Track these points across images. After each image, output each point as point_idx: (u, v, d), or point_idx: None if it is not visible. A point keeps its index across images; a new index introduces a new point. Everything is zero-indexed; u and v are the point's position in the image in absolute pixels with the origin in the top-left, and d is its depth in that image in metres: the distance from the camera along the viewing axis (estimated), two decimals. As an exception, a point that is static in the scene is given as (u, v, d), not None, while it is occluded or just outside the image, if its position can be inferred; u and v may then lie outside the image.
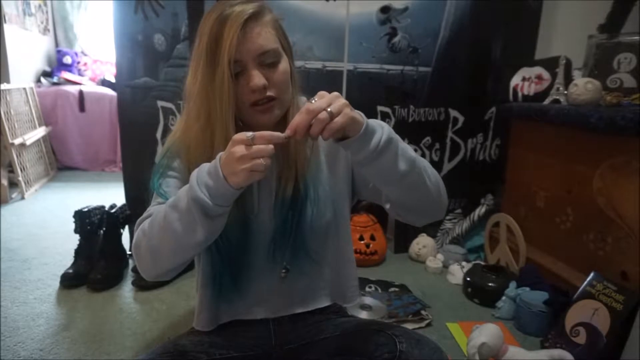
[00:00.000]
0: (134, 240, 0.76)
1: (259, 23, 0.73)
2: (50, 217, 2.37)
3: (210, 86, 0.71)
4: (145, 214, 0.79)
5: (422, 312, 1.46)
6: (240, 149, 0.61)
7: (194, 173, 0.67)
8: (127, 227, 1.84)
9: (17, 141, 2.68)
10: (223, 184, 0.63)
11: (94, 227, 1.70)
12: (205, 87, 0.72)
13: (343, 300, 0.93)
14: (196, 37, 0.75)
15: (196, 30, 0.75)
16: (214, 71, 0.71)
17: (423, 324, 1.42)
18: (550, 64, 1.71)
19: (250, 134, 0.62)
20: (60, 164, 3.56)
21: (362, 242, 1.90)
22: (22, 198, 2.70)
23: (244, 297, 0.86)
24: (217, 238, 0.73)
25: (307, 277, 0.87)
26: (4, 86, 2.72)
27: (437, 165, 2.13)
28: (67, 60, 3.90)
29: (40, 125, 3.25)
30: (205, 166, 0.67)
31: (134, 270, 1.71)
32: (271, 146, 0.62)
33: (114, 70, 3.59)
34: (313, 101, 0.63)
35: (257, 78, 0.72)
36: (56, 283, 1.63)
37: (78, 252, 1.70)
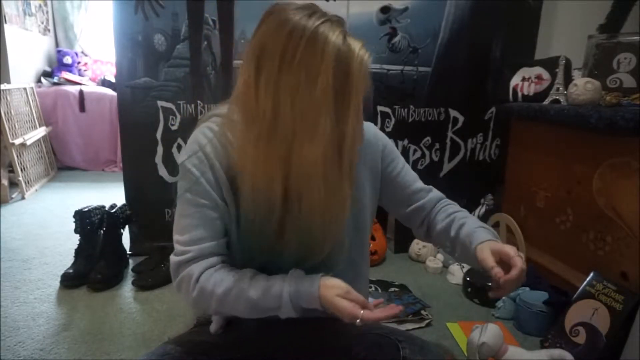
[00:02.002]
0: (190, 288, 0.76)
1: None
2: (50, 217, 2.37)
3: (337, 126, 0.69)
4: (178, 247, 0.77)
5: (422, 312, 1.46)
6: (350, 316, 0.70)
7: (288, 293, 0.72)
8: (127, 227, 1.84)
9: (17, 141, 2.69)
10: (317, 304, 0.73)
11: (94, 227, 1.70)
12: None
13: None
14: (290, 60, 0.67)
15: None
16: (343, 112, 0.69)
17: (423, 324, 1.42)
18: (550, 64, 1.71)
19: (360, 316, 0.69)
20: (60, 164, 3.56)
21: (362, 242, 1.90)
22: (23, 198, 2.70)
23: None
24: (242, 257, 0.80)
25: None
26: (4, 86, 2.72)
27: (437, 166, 2.13)
28: (68, 60, 3.90)
29: (40, 125, 3.25)
30: (305, 293, 0.72)
31: (134, 270, 1.71)
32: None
33: (114, 70, 3.59)
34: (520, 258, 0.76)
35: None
36: (56, 283, 1.63)
37: (78, 252, 1.70)
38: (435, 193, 0.97)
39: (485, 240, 0.81)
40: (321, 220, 0.73)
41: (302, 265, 0.77)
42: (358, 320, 0.69)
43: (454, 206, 0.95)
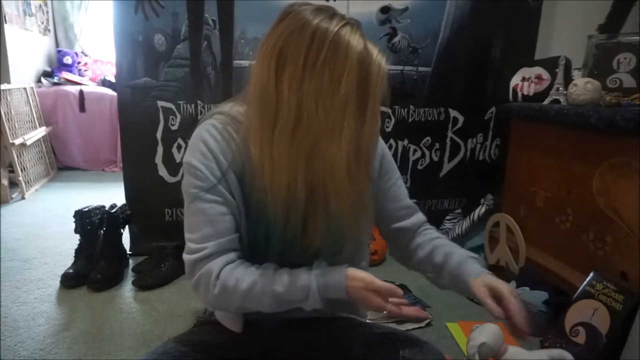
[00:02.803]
0: (211, 286, 0.75)
1: None
2: (50, 217, 2.38)
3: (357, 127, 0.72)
4: (192, 245, 0.76)
5: (422, 312, 1.46)
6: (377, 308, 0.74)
7: (316, 286, 0.74)
8: (127, 227, 1.84)
9: (17, 141, 2.69)
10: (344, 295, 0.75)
11: (94, 227, 1.70)
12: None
13: (349, 311, 0.93)
14: (314, 61, 0.69)
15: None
16: (362, 114, 0.72)
17: (423, 324, 1.42)
18: (550, 64, 1.71)
19: (387, 309, 0.73)
20: (60, 164, 3.56)
21: (362, 242, 1.90)
22: (23, 198, 2.70)
23: None
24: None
25: None
26: (5, 86, 2.72)
27: (437, 166, 2.13)
28: (68, 60, 3.90)
29: (40, 125, 3.25)
30: (330, 285, 0.74)
31: (134, 270, 1.71)
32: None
33: (114, 71, 3.59)
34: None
35: None
36: (56, 283, 1.63)
37: (78, 252, 1.70)
38: (419, 215, 0.97)
39: (480, 274, 0.82)
40: (349, 217, 0.75)
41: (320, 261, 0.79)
42: (384, 312, 0.73)
43: (433, 231, 0.96)
